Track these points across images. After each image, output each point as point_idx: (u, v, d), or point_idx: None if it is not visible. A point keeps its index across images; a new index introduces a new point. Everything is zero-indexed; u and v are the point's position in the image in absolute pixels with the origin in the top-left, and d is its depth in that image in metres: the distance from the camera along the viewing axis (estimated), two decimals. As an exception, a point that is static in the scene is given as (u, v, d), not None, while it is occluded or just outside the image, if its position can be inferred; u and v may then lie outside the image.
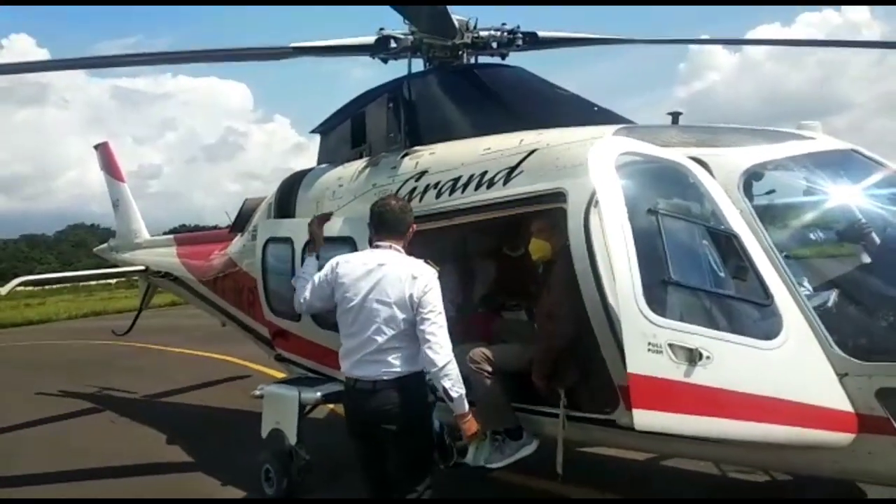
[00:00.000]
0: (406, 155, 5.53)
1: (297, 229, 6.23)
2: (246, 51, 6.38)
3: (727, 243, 3.47)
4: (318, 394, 5.88)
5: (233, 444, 7.90)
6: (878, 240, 3.60)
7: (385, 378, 3.66)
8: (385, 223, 3.92)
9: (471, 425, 3.74)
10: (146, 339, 16.82)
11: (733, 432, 3.17)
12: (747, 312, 3.35)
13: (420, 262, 3.79)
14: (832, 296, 3.54)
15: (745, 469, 5.17)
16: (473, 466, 4.87)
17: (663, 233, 3.32)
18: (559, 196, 4.26)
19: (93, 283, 41.64)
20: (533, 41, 5.98)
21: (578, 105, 5.41)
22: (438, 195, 5.04)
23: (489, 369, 4.58)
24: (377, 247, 3.91)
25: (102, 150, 13.04)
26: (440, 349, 3.57)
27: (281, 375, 11.62)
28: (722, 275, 3.44)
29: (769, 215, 3.65)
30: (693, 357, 3.14)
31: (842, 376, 3.28)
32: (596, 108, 5.30)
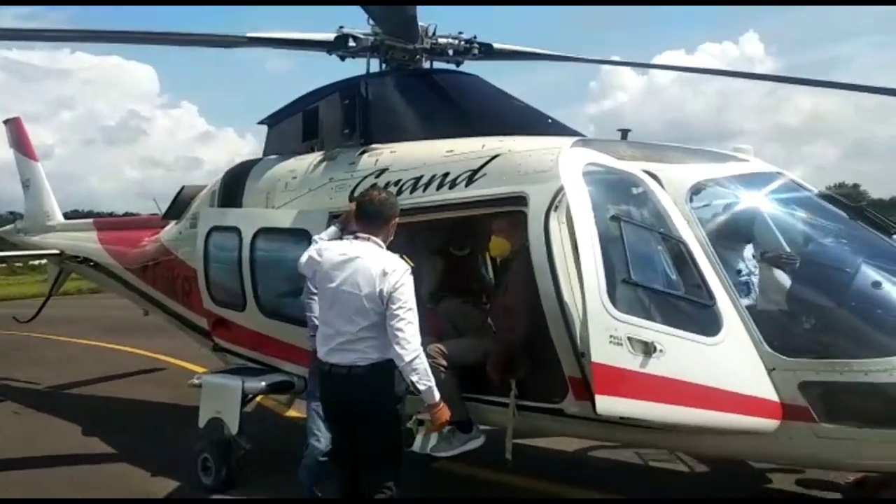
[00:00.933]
0: (365, 152, 5.68)
1: (245, 218, 6.25)
2: (196, 36, 6.31)
3: (677, 249, 3.86)
4: (263, 383, 5.91)
5: (154, 436, 7.74)
6: (800, 252, 4.11)
7: (360, 364, 3.78)
8: (366, 215, 4.03)
9: (441, 413, 3.86)
10: (43, 329, 15.83)
11: (682, 418, 3.55)
12: (693, 311, 3.75)
13: (395, 256, 3.92)
14: (762, 300, 4.01)
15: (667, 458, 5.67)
16: (420, 453, 5.09)
17: (624, 237, 3.67)
18: (520, 199, 4.54)
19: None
20: (487, 52, 6.27)
21: (533, 116, 5.72)
22: (399, 192, 5.19)
23: (444, 364, 4.76)
24: (357, 237, 4.00)
25: (13, 125, 12.30)
26: (407, 345, 3.69)
27: (200, 368, 11.50)
28: (673, 277, 3.82)
29: (710, 226, 4.07)
30: (648, 349, 3.50)
31: (770, 370, 3.73)
32: (550, 121, 5.64)
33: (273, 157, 6.66)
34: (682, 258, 3.84)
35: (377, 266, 3.83)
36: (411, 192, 5.15)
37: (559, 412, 4.50)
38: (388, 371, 3.81)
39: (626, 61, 6.39)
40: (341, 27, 6.18)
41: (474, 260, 7.19)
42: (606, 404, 3.44)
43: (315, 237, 4.47)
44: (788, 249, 4.19)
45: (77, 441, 7.69)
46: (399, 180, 5.25)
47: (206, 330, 7.00)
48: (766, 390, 3.69)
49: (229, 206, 6.58)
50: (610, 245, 3.64)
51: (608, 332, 3.47)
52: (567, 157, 3.90)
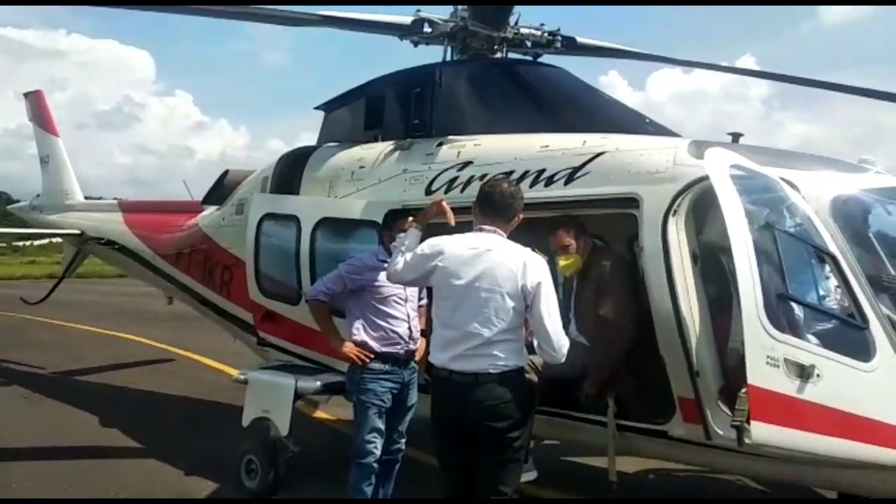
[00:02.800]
0: (443, 143, 5.34)
1: (305, 207, 5.87)
2: (267, 10, 5.96)
3: (826, 265, 3.54)
4: (318, 383, 5.51)
5: (180, 431, 7.34)
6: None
7: (491, 371, 3.30)
8: (493, 205, 3.60)
9: None
10: (38, 313, 15.08)
11: (840, 451, 3.21)
12: (848, 333, 3.42)
13: (528, 250, 3.54)
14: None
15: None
16: None
17: (779, 248, 3.35)
18: (631, 201, 4.22)
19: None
20: (570, 45, 5.95)
21: (629, 114, 5.39)
22: None
23: (535, 380, 4.36)
24: (481, 230, 3.58)
25: (33, 99, 11.79)
26: (560, 347, 3.36)
27: (210, 361, 11.09)
28: (827, 295, 3.51)
29: (854, 242, 3.74)
30: (805, 373, 3.17)
31: None
32: (648, 121, 5.32)
33: (333, 144, 6.30)
34: (832, 275, 3.52)
35: (516, 259, 3.39)
36: (500, 189, 4.81)
37: (662, 434, 4.18)
38: (520, 379, 3.43)
39: (712, 63, 5.92)
40: (418, 10, 5.85)
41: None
42: (763, 432, 3.09)
43: (397, 244, 3.97)
44: None
45: (99, 433, 7.27)
46: (485, 175, 4.90)
47: (247, 322, 6.61)
48: None
49: (284, 193, 6.21)
50: (763, 256, 3.30)
51: (765, 353, 3.14)
52: (713, 158, 3.57)
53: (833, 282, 3.53)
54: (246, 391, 5.80)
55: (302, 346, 5.93)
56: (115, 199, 10.61)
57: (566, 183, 4.54)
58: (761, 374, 3.12)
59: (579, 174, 4.51)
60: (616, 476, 4.33)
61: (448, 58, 6.17)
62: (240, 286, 6.58)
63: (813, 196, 3.77)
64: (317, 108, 6.77)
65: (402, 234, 4.06)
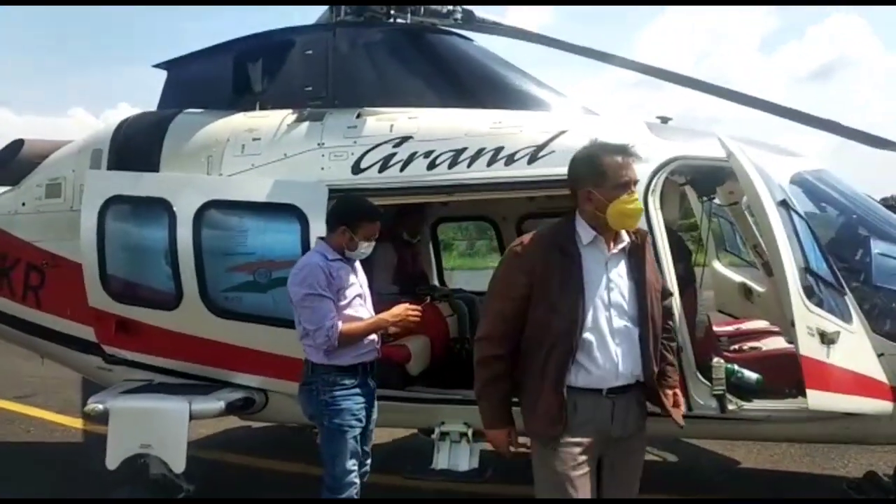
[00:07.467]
0: (364, 115, 4.73)
1: (180, 188, 4.72)
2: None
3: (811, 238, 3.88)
4: (220, 403, 4.55)
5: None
6: (880, 243, 4.35)
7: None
8: None
9: None
10: None
11: (858, 407, 3.57)
12: (838, 300, 3.77)
13: None
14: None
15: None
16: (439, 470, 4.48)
17: (795, 224, 3.58)
18: None
19: None
20: (467, 20, 5.63)
21: (556, 96, 5.22)
22: (432, 166, 4.46)
23: None
24: None
25: None
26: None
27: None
28: (823, 266, 3.82)
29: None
30: (829, 339, 3.47)
31: (879, 355, 3.92)
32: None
33: (198, 111, 5.19)
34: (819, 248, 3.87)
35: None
36: (450, 167, 4.45)
37: None
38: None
39: (636, 62, 5.44)
40: (311, -38, 5.06)
41: (422, 249, 6.61)
42: (818, 400, 3.33)
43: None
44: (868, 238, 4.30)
45: None
46: (431, 151, 4.48)
47: (74, 336, 5.19)
48: (882, 375, 3.87)
49: (134, 169, 4.95)
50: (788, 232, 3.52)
51: (805, 323, 3.36)
52: (729, 141, 3.68)
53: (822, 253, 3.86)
54: (109, 424, 4.56)
55: (180, 358, 4.82)
56: None
57: (530, 162, 4.34)
58: (808, 345, 3.33)
59: (543, 153, 4.34)
60: None
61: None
62: (61, 291, 5.15)
63: (778, 177, 4.10)
64: (157, 66, 5.53)
65: None
